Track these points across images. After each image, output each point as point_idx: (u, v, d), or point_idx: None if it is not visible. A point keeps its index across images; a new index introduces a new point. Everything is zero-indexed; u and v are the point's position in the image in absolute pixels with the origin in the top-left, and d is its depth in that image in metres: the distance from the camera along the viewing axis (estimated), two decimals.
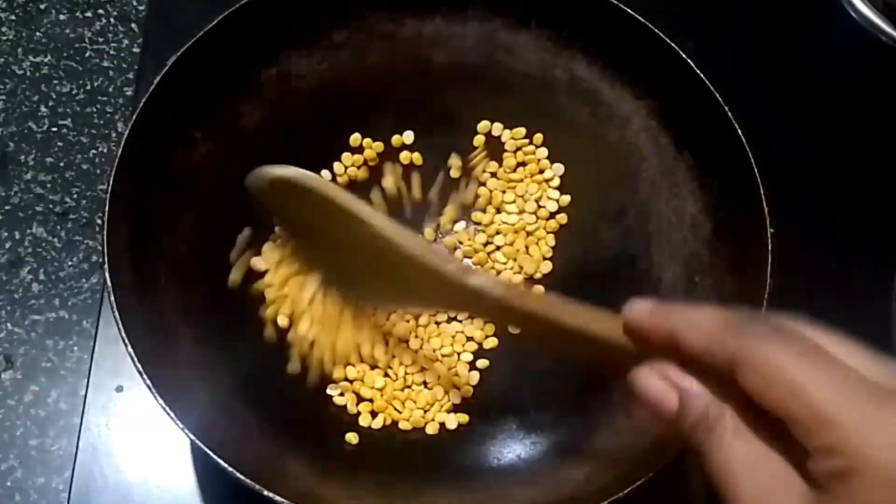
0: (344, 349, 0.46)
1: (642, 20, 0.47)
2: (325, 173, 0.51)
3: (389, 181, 0.51)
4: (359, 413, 0.47)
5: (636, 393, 0.28)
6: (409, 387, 0.48)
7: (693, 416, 0.26)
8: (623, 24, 0.48)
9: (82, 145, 0.56)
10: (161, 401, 0.38)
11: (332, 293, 0.45)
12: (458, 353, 0.49)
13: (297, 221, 0.44)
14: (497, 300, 0.35)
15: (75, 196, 0.54)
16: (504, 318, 0.37)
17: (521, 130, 0.52)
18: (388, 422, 0.47)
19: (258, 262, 0.47)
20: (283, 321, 0.46)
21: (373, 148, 0.52)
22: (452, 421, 0.47)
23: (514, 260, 0.51)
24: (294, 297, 0.46)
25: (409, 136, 0.52)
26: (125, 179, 0.42)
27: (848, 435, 0.22)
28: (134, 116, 0.43)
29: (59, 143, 0.56)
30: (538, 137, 0.52)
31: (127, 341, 0.39)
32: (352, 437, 0.46)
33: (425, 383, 0.48)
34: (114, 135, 0.56)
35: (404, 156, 0.52)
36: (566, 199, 0.52)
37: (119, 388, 0.48)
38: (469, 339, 0.49)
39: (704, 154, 0.47)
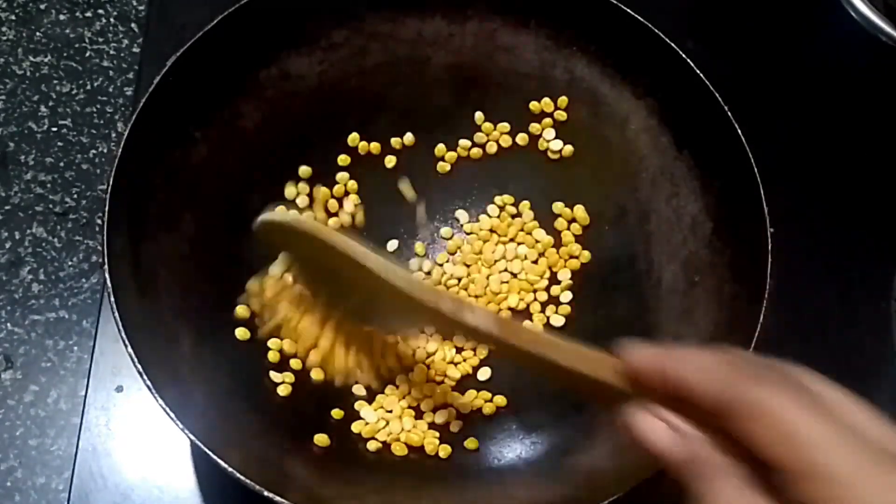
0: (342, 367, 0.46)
1: (642, 20, 0.47)
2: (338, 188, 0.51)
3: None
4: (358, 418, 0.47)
5: (627, 430, 0.29)
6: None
7: (684, 457, 0.27)
8: (623, 24, 0.48)
9: (82, 145, 0.56)
10: (161, 401, 0.38)
11: (336, 315, 0.45)
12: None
13: (301, 257, 0.45)
14: (491, 337, 0.36)
15: (75, 196, 0.54)
16: (500, 349, 0.37)
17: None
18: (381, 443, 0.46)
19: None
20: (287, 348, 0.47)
21: (371, 148, 0.52)
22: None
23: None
24: (300, 330, 0.46)
25: (409, 138, 0.53)
26: (125, 179, 0.42)
27: (844, 490, 0.23)
28: (134, 116, 0.43)
29: (59, 143, 0.56)
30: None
31: (127, 341, 0.39)
32: (353, 435, 0.46)
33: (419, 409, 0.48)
34: (114, 135, 0.56)
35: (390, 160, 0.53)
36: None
37: (119, 388, 0.48)
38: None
39: (704, 154, 0.47)
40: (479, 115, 0.53)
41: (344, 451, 0.45)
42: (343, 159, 0.52)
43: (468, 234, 0.52)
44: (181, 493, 0.46)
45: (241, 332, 0.46)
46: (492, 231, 0.52)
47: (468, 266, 0.51)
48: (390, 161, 0.52)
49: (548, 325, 0.50)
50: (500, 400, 0.48)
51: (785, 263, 0.42)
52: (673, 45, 0.47)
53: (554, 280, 0.51)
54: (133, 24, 0.60)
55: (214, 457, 0.37)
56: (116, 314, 0.39)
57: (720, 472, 0.26)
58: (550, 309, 0.50)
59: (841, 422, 0.24)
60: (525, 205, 0.52)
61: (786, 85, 0.60)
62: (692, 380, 0.26)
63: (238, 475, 0.37)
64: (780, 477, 0.24)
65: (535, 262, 0.51)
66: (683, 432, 0.27)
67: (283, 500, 0.37)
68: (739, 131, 0.45)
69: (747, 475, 0.25)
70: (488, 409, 0.47)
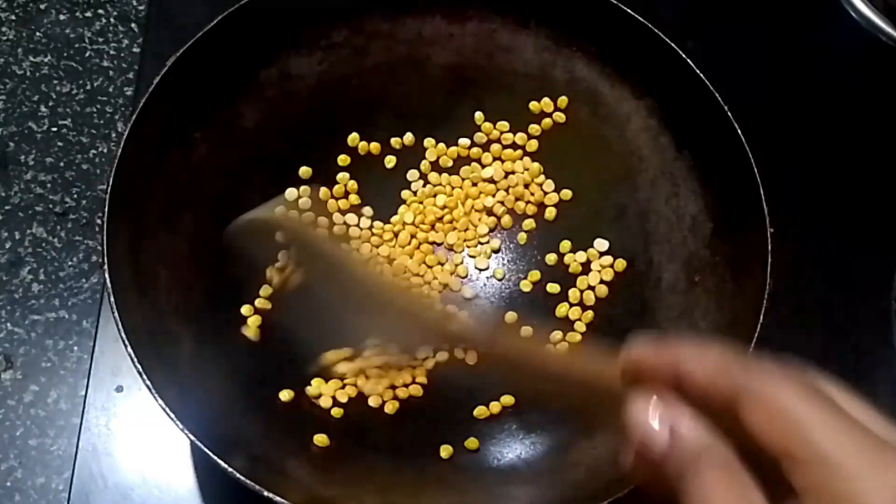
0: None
1: (642, 20, 0.47)
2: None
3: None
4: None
5: (628, 424, 0.28)
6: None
7: (683, 452, 0.26)
8: (623, 24, 0.48)
9: (82, 145, 0.56)
10: (161, 401, 0.38)
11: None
12: None
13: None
14: (480, 343, 0.36)
15: (75, 196, 0.54)
16: (491, 354, 0.37)
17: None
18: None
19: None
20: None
21: (371, 148, 0.52)
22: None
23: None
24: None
25: (409, 138, 0.53)
26: (125, 179, 0.42)
27: (846, 475, 0.23)
28: (134, 116, 0.43)
29: (59, 143, 0.56)
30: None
31: (127, 341, 0.39)
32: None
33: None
34: (114, 135, 0.56)
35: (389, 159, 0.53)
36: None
37: (119, 388, 0.48)
38: None
39: (704, 154, 0.47)
40: (478, 115, 0.53)
41: (344, 451, 0.45)
42: (343, 159, 0.52)
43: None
44: (181, 493, 0.46)
45: (240, 329, 0.47)
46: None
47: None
48: (390, 161, 0.52)
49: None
50: (508, 399, 0.47)
51: (785, 263, 0.42)
52: (673, 45, 0.47)
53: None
54: (133, 24, 0.60)
55: (214, 457, 0.37)
56: (116, 314, 0.39)
57: (719, 467, 0.25)
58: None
59: (845, 414, 0.24)
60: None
61: (786, 85, 0.60)
62: (700, 372, 0.26)
63: (238, 475, 0.37)
64: (785, 466, 0.24)
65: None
66: (684, 427, 0.26)
67: (283, 500, 0.37)
68: (739, 131, 0.45)
69: (745, 473, 0.25)
70: (493, 408, 0.47)
